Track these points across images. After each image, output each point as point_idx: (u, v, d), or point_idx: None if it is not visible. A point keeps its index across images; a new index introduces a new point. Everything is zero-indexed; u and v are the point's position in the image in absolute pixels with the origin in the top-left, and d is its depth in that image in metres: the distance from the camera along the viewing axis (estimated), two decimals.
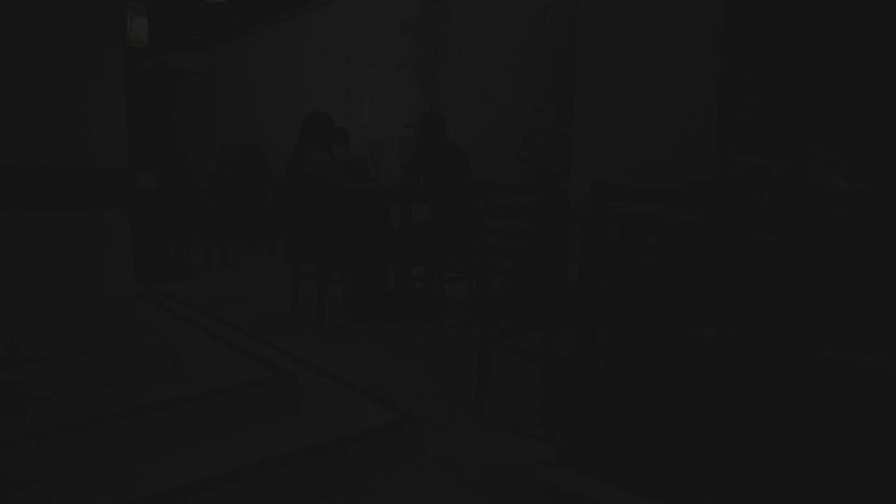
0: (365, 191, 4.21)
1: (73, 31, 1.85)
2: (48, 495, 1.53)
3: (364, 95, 6.84)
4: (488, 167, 5.32)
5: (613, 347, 2.01)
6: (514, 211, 2.16)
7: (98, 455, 1.65)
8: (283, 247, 4.07)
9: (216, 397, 1.88)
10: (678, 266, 1.74)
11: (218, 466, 1.67)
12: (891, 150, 3.25)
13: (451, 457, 2.04)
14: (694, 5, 3.53)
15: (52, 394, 1.81)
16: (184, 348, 2.36)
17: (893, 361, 1.46)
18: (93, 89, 1.87)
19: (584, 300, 2.25)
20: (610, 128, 3.99)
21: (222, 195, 6.99)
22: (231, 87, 9.55)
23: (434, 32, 5.83)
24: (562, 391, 2.32)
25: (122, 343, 1.98)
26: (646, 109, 3.78)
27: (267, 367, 2.12)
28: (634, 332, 1.86)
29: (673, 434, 2.07)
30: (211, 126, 10.10)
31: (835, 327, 1.62)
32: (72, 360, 1.86)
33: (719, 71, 3.42)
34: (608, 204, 1.82)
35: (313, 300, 3.77)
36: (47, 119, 1.81)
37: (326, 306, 3.75)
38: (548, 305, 2.13)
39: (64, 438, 1.61)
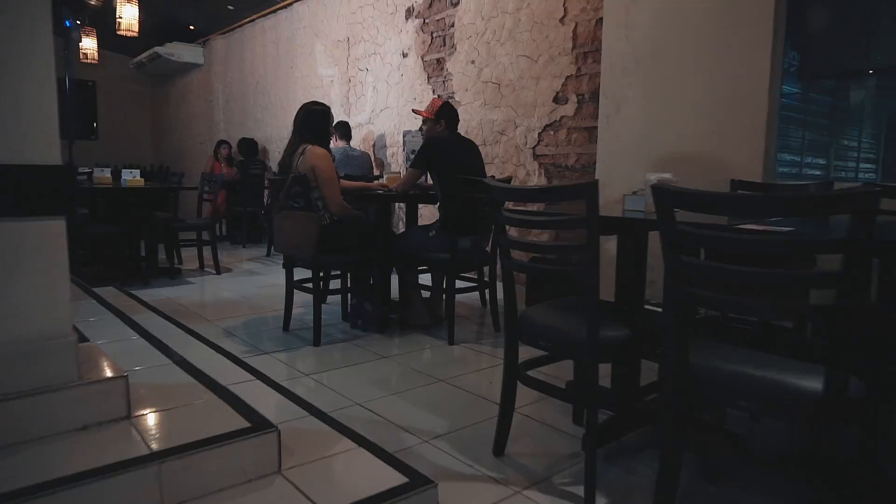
0: (366, 190, 3.83)
1: None
2: None
3: (367, 86, 6.43)
4: (501, 164, 4.92)
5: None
6: (553, 220, 1.75)
7: None
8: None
9: (175, 458, 1.48)
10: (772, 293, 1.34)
11: None
12: None
13: None
14: None
15: None
16: (144, 382, 1.97)
17: None
18: None
19: (631, 327, 1.84)
20: (639, 120, 3.56)
21: (217, 193, 6.62)
22: (228, 79, 9.16)
23: (442, 18, 5.41)
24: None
25: (59, 385, 1.58)
26: (682, 100, 3.36)
27: (244, 415, 1.72)
28: (703, 375, 1.45)
29: None
30: (207, 120, 9.71)
31: None
32: None
33: (771, 57, 2.99)
34: (674, 213, 1.42)
35: (311, 307, 3.36)
36: None
37: (323, 317, 3.37)
38: (589, 333, 1.73)
39: None
